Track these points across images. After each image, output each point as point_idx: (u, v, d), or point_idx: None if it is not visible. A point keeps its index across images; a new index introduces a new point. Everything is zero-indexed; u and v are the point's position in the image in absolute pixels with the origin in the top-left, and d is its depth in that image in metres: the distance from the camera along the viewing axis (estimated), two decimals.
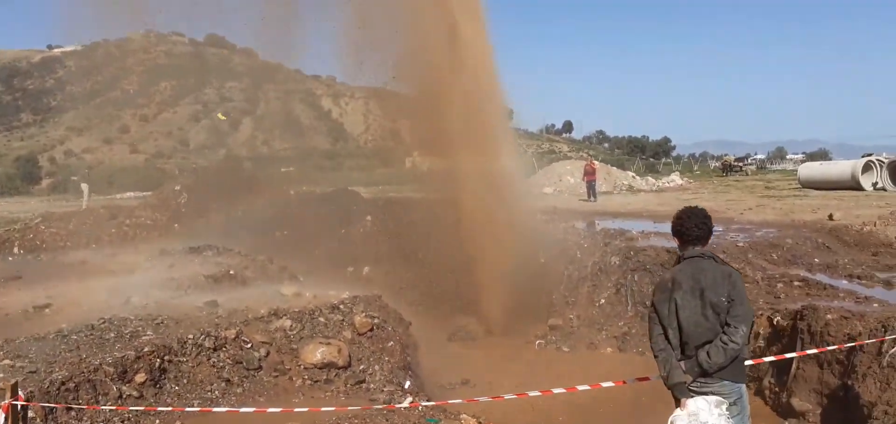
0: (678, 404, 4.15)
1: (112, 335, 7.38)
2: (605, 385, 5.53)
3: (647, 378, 6.01)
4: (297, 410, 5.82)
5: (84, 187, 29.32)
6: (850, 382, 7.02)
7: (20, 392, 4.72)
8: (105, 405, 5.86)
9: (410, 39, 14.77)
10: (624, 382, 5.76)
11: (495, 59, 14.44)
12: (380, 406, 5.53)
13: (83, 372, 6.14)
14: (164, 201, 20.48)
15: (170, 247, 14.22)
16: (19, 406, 4.60)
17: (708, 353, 4.00)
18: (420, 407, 5.66)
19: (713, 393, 4.04)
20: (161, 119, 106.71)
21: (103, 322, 7.89)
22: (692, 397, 4.06)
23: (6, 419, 4.50)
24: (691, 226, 4.25)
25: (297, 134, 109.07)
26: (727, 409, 4.02)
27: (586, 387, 5.67)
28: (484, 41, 14.23)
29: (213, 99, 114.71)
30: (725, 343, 3.97)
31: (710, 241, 4.33)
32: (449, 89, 13.68)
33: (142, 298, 9.53)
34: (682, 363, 4.10)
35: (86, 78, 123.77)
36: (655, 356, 4.26)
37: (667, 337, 4.16)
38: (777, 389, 8.09)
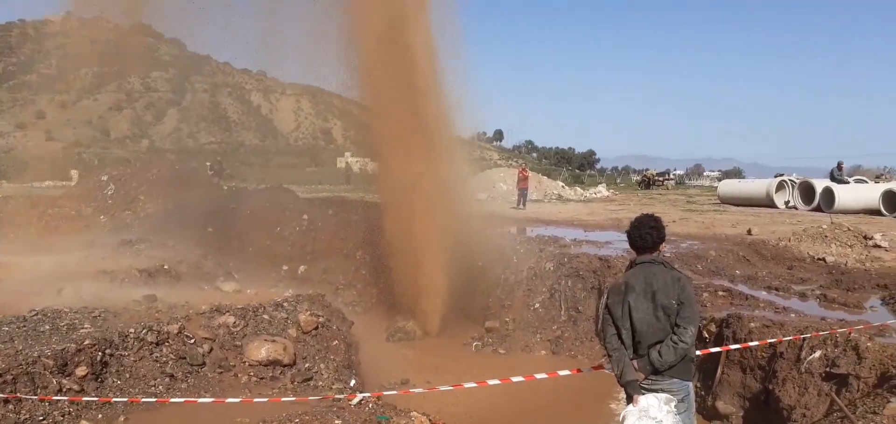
0: (630, 400, 4.41)
1: (47, 327, 7.15)
2: (560, 372, 5.77)
3: (579, 370, 6.37)
4: (256, 400, 5.82)
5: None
6: (771, 386, 7.51)
7: None
8: (44, 397, 5.70)
9: (358, 43, 14.69)
10: (579, 371, 6.00)
11: (438, 60, 14.48)
12: (339, 398, 5.59)
13: (21, 364, 5.96)
14: (90, 192, 19.71)
15: (99, 239, 13.79)
16: None
17: (660, 352, 4.28)
18: (370, 405, 5.73)
19: (663, 391, 4.32)
20: (80, 107, 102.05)
21: (36, 314, 7.64)
22: (643, 394, 4.33)
23: None
24: (645, 233, 4.53)
25: (225, 128, 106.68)
26: (675, 406, 4.31)
27: (569, 372, 5.88)
28: (429, 44, 14.30)
29: (138, 88, 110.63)
30: (676, 343, 4.26)
31: (661, 248, 4.61)
32: (391, 92, 13.74)
33: (74, 290, 9.24)
34: (634, 362, 4.37)
35: None
36: (609, 355, 4.52)
37: (620, 337, 4.41)
38: (703, 392, 8.55)
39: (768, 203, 24.90)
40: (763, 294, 10.41)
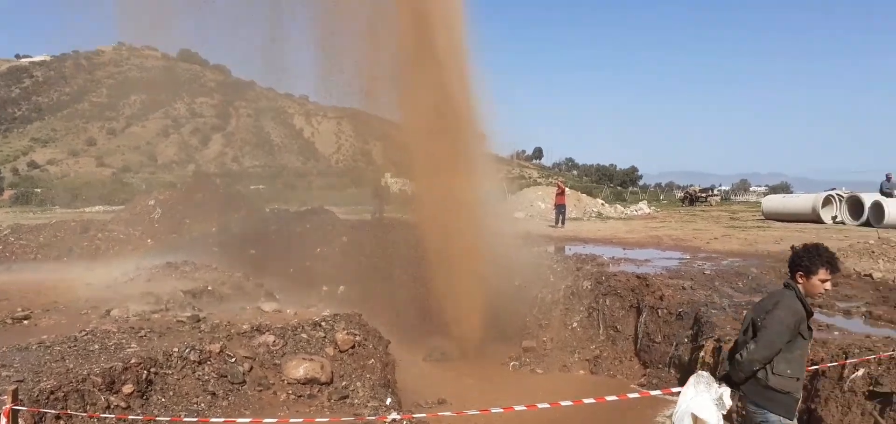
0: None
1: (96, 346, 7.43)
2: (564, 404, 5.78)
3: (603, 399, 6.31)
4: (292, 421, 5.97)
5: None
6: (813, 406, 7.36)
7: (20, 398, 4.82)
8: (94, 414, 5.94)
9: (386, 59, 14.94)
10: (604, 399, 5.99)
11: (471, 79, 14.59)
12: (371, 418, 5.71)
13: (71, 382, 6.20)
14: (138, 216, 20.37)
15: (146, 262, 14.20)
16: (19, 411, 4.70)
17: (727, 357, 4.55)
18: (405, 423, 5.83)
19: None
20: (129, 133, 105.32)
21: (86, 334, 7.94)
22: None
23: (7, 423, 4.59)
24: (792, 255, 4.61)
25: (268, 152, 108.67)
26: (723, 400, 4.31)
27: (592, 400, 5.90)
28: (462, 62, 14.42)
29: (184, 114, 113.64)
30: (740, 355, 4.40)
31: (802, 276, 4.47)
32: (424, 110, 13.89)
33: (122, 311, 9.56)
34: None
35: (53, 89, 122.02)
36: None
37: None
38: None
39: (815, 219, 24.34)
40: None
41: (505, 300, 13.16)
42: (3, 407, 4.67)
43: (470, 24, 14.65)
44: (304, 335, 8.51)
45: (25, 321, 9.38)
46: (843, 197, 24.80)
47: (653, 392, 8.35)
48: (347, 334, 8.70)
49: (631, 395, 6.12)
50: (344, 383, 7.91)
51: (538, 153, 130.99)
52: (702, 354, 9.65)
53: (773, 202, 29.43)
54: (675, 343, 10.76)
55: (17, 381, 6.01)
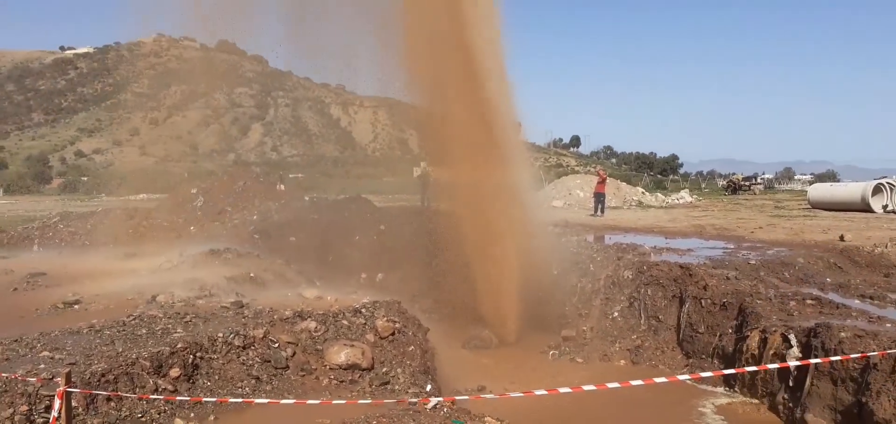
0: None
1: (144, 331, 7.60)
2: (611, 385, 5.70)
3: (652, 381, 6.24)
4: (335, 402, 6.03)
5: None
6: (864, 399, 7.16)
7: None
8: (143, 396, 6.07)
9: (422, 50, 14.88)
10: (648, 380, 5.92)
11: (507, 67, 14.45)
12: (414, 402, 5.72)
13: (121, 365, 6.35)
14: (181, 204, 20.74)
15: (189, 249, 14.45)
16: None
17: None
18: (445, 409, 5.82)
19: None
20: (170, 123, 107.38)
21: (134, 319, 8.13)
22: None
23: (61, 405, 4.71)
24: None
25: (306, 141, 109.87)
26: None
27: (640, 382, 5.83)
28: (498, 51, 14.31)
29: (223, 104, 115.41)
30: None
31: None
32: (462, 100, 13.81)
33: (167, 297, 9.74)
34: None
35: (97, 80, 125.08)
36: None
37: None
38: (791, 405, 8.24)
39: (864, 208, 23.67)
40: (856, 303, 9.94)
41: (544, 288, 13.08)
42: (58, 389, 4.79)
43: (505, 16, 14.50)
44: (345, 322, 8.57)
45: (76, 306, 9.63)
46: (894, 186, 24.06)
47: (703, 374, 8.27)
48: (387, 321, 8.73)
49: (681, 377, 6.01)
50: (384, 369, 7.95)
51: (576, 141, 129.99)
52: (747, 345, 9.49)
53: (820, 191, 28.72)
54: (718, 334, 10.57)
55: (70, 364, 6.18)
